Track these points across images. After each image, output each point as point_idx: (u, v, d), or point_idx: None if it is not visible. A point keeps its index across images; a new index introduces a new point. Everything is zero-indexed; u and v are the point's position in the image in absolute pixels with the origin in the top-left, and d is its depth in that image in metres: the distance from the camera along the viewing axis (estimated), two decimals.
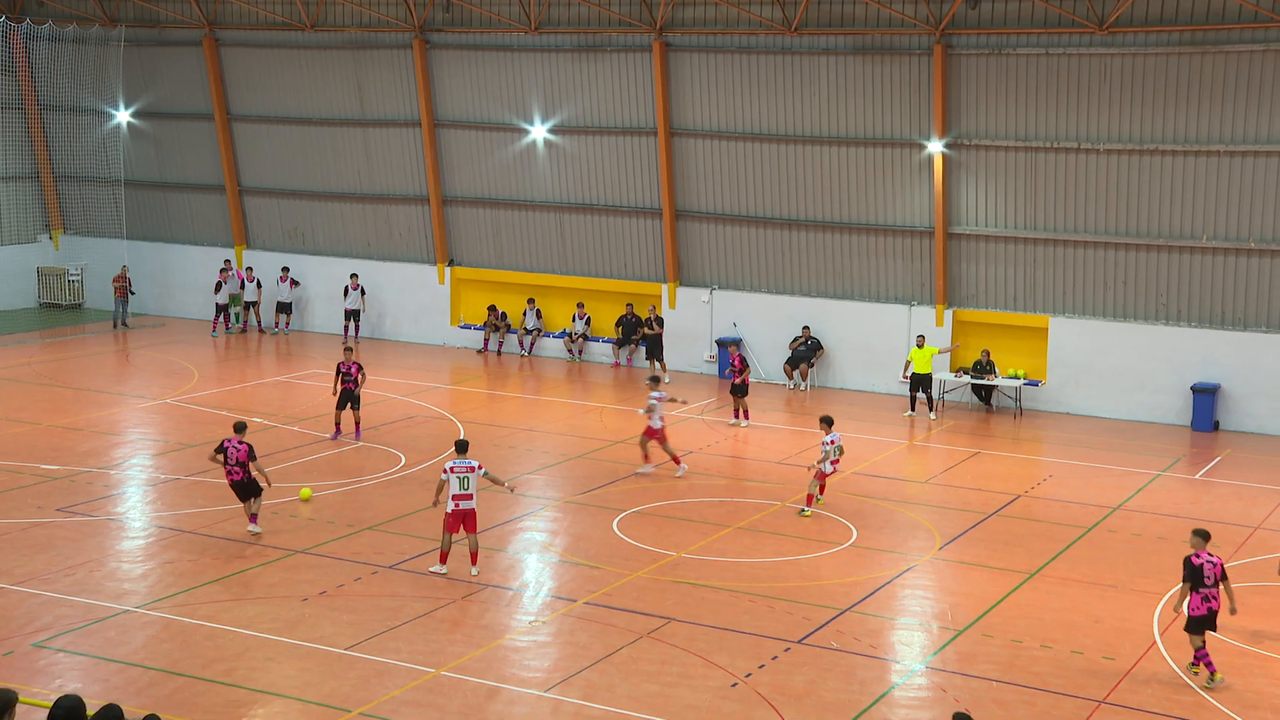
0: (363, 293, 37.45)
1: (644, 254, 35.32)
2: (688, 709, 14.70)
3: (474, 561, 18.77)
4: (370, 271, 38.00)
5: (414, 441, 26.21)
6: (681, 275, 34.96)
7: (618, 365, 35.21)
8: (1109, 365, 30.42)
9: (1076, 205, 30.43)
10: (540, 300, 36.74)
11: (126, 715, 11.19)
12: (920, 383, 30.12)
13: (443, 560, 18.79)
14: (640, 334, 34.72)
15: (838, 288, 33.18)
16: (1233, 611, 15.88)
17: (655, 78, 33.60)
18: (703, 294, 34.49)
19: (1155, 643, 16.96)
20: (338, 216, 38.87)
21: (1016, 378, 31.17)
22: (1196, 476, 25.62)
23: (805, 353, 33.00)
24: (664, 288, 35.04)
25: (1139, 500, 23.68)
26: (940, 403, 31.18)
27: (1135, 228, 29.96)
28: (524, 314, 36.67)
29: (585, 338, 35.94)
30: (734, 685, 15.36)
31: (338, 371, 26.28)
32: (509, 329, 36.77)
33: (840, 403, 31.14)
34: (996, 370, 31.23)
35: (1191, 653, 15.78)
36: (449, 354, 36.43)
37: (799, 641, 16.71)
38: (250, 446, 20.06)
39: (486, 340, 36.76)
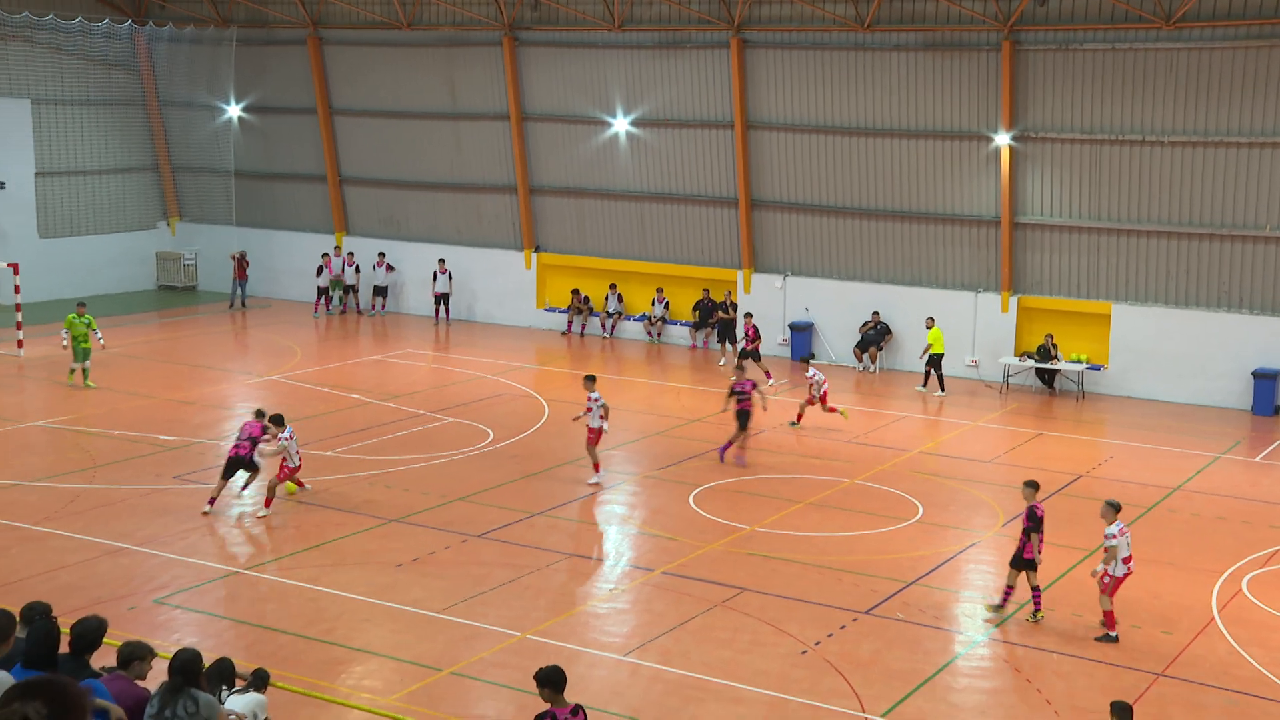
0: (450, 277, 37.76)
1: (720, 241, 35.22)
2: (758, 674, 14.70)
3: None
4: (459, 257, 38.28)
5: (501, 418, 26.40)
6: (756, 262, 34.81)
7: (694, 347, 35.19)
8: (1170, 350, 29.85)
9: (1140, 196, 29.85)
10: (621, 285, 36.78)
11: (237, 668, 11.48)
12: (935, 361, 30.07)
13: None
14: (716, 318, 34.65)
15: (906, 275, 32.86)
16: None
17: (732, 73, 33.44)
18: (776, 280, 34.33)
19: (1213, 619, 16.66)
20: (430, 205, 39.18)
21: (1079, 362, 30.68)
22: (1257, 459, 25.08)
23: (874, 337, 32.75)
24: (739, 274, 34.92)
25: (1198, 482, 23.23)
26: (1004, 385, 30.82)
27: (1198, 218, 29.34)
28: (606, 298, 36.74)
29: (664, 321, 35.94)
30: (803, 653, 15.33)
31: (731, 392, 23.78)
32: (591, 312, 36.87)
33: (907, 384, 30.87)
34: (1060, 355, 30.77)
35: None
36: (535, 335, 36.63)
37: (866, 612, 16.63)
38: (265, 429, 20.13)
39: (570, 323, 36.90)
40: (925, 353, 30.29)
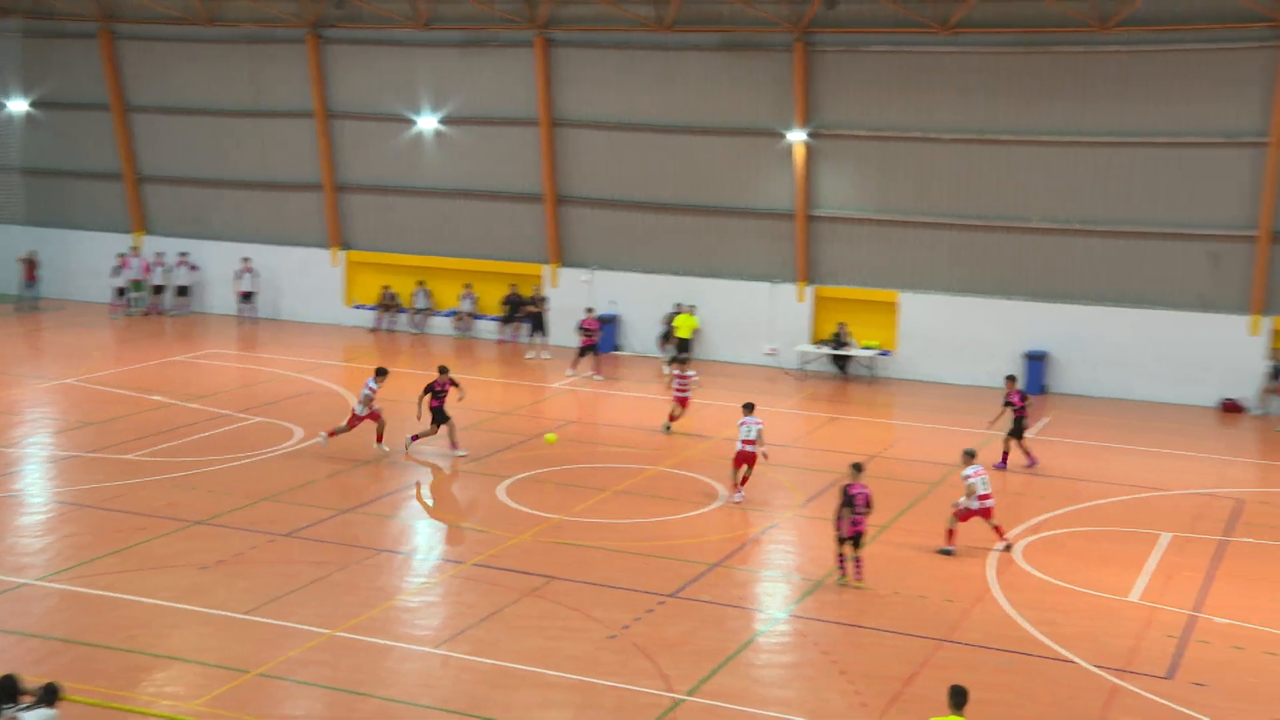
0: (255, 275, 36.77)
1: (528, 237, 35.14)
2: (568, 660, 14.74)
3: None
4: (265, 255, 37.23)
5: (309, 416, 25.79)
6: (563, 256, 34.85)
7: (503, 341, 35.04)
8: (952, 336, 31.11)
9: (924, 190, 31.01)
10: (429, 281, 36.37)
11: (26, 684, 10.91)
12: (683, 345, 31.41)
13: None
14: (524, 312, 34.57)
15: (708, 267, 33.39)
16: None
17: (537, 71, 33.40)
18: (583, 274, 34.45)
19: (990, 585, 17.43)
20: (235, 203, 37.97)
21: (870, 349, 31.73)
22: (1029, 435, 26.30)
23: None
24: (547, 268, 34.92)
25: (979, 458, 24.19)
26: (801, 373, 31.68)
27: (976, 210, 30.64)
28: (414, 294, 36.27)
29: (472, 316, 35.70)
30: (612, 637, 15.44)
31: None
32: (399, 309, 36.36)
33: (710, 374, 31.35)
34: (853, 342, 31.77)
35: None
36: (343, 333, 35.90)
37: (672, 595, 16.84)
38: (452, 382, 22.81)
39: (379, 320, 36.32)
40: (670, 336, 31.84)
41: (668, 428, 25.40)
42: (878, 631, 15.84)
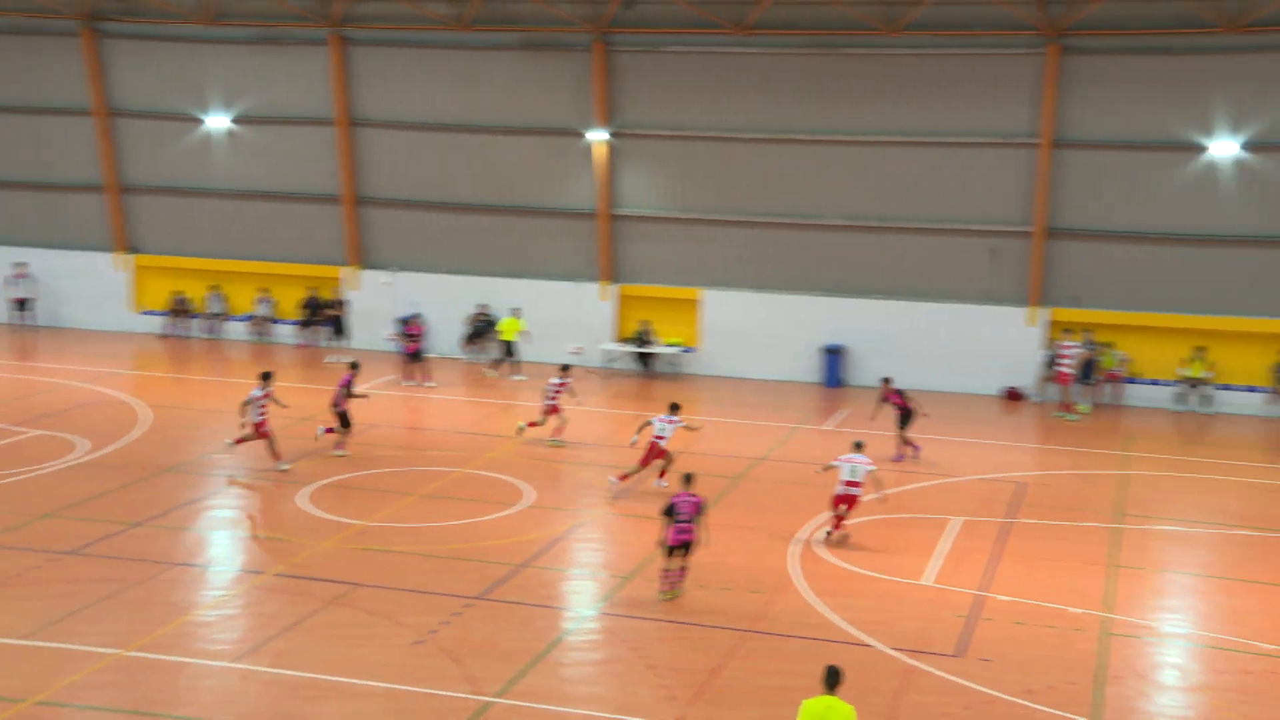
0: (32, 281, 34.96)
1: (326, 238, 34.37)
2: (374, 667, 14.47)
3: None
4: (43, 260, 35.42)
5: (94, 427, 24.64)
6: (363, 258, 34.22)
7: (302, 346, 34.20)
8: (753, 332, 31.79)
9: (724, 189, 31.59)
10: (224, 285, 35.21)
11: None
12: (507, 347, 31.25)
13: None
14: (324, 315, 33.80)
15: (512, 267, 33.28)
16: (706, 543, 17.12)
17: (333, 70, 32.69)
18: (383, 276, 33.89)
19: (791, 575, 17.87)
20: (7, 205, 36.00)
21: (674, 346, 32.16)
22: (826, 427, 27.13)
23: (482, 328, 32.97)
24: (346, 271, 34.23)
25: (780, 451, 24.87)
26: (606, 371, 31.89)
27: (774, 208, 31.38)
28: (207, 299, 35.07)
29: (270, 320, 34.72)
30: (420, 642, 15.22)
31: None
32: (192, 314, 35.09)
33: (515, 372, 31.29)
34: (657, 339, 32.15)
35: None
36: (132, 340, 34.43)
37: (479, 597, 16.71)
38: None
39: (170, 326, 34.97)
40: (477, 339, 31.90)
41: (521, 429, 24.91)
42: (685, 625, 16.05)
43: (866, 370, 31.14)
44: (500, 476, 22.36)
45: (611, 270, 32.65)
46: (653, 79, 31.37)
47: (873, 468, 19.34)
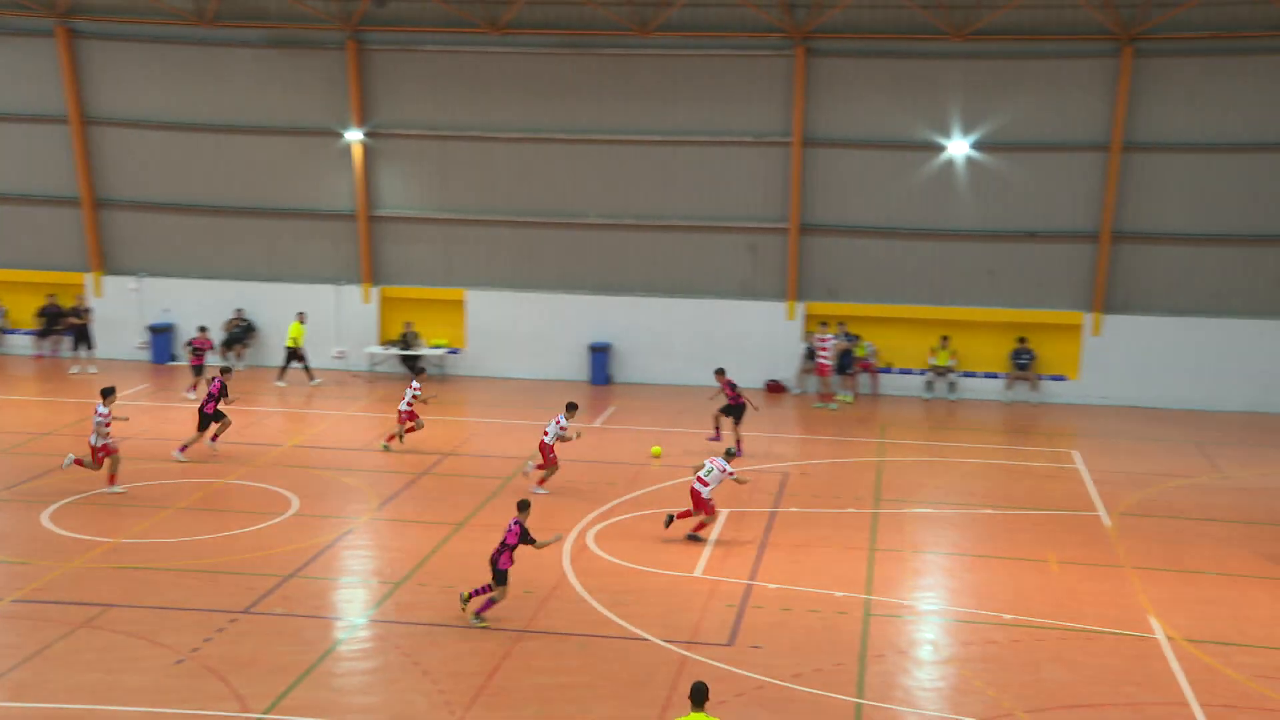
0: None
1: (65, 243, 32.48)
2: (132, 692, 13.75)
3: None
4: None
5: None
6: (107, 264, 32.50)
7: (41, 357, 32.22)
8: (519, 331, 31.74)
9: (485, 188, 31.41)
10: None
11: None
12: (292, 353, 30.28)
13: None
14: (66, 324, 31.94)
15: (268, 270, 32.24)
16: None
17: (62, 64, 30.91)
18: (130, 281, 32.27)
19: (565, 573, 17.93)
20: None
21: (440, 347, 31.80)
22: (595, 424, 27.33)
23: (239, 334, 31.84)
24: (89, 277, 32.44)
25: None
26: (371, 374, 31.28)
27: (535, 207, 31.39)
28: None
29: (2, 330, 32.56)
30: (180, 662, 14.55)
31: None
32: None
33: (273, 380, 30.33)
34: (422, 341, 31.72)
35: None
36: None
37: (245, 611, 16.11)
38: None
39: None
40: (292, 344, 30.30)
41: (386, 447, 24.39)
42: (460, 629, 15.87)
43: (633, 367, 31.52)
44: (265, 486, 21.61)
45: (373, 272, 32.03)
46: (409, 78, 30.92)
47: (729, 472, 19.45)
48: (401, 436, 24.37)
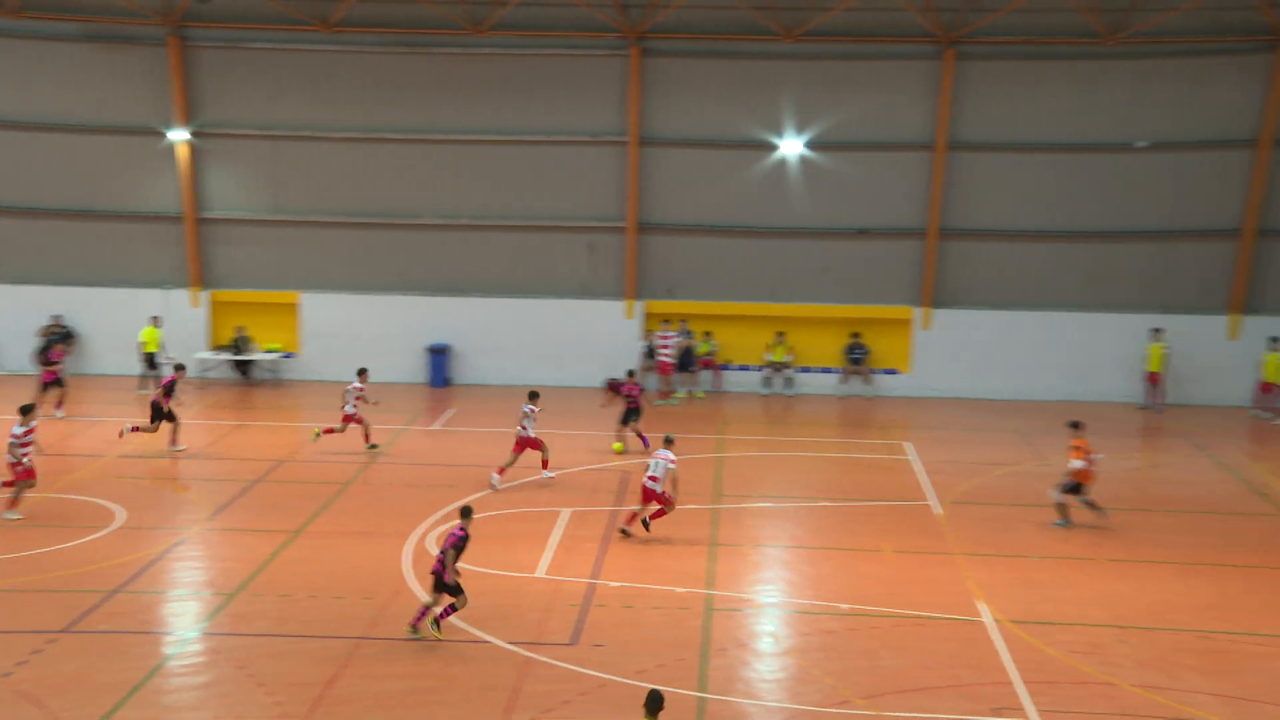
0: None
1: None
2: None
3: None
4: None
5: None
6: None
7: None
8: (355, 334, 31.20)
9: (318, 189, 30.79)
10: None
11: None
12: (149, 359, 29.36)
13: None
14: None
15: (91, 275, 31.01)
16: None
17: None
18: None
19: (406, 577, 17.68)
20: None
21: (273, 351, 31.04)
22: (434, 427, 27.04)
23: (57, 340, 30.51)
24: None
25: (389, 452, 24.54)
26: (202, 380, 30.36)
27: (370, 208, 30.91)
28: None
29: None
30: None
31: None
32: None
33: (96, 388, 29.19)
34: (254, 345, 30.92)
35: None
36: None
37: (65, 630, 15.43)
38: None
39: None
40: (141, 350, 29.25)
41: (318, 434, 24.47)
42: (296, 638, 15.49)
43: (473, 369, 31.29)
44: (88, 499, 20.76)
45: (202, 276, 31.08)
46: (238, 76, 30.09)
47: (673, 465, 19.26)
48: (340, 430, 24.26)
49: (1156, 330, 29.47)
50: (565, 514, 20.70)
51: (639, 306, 31.19)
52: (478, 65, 30.11)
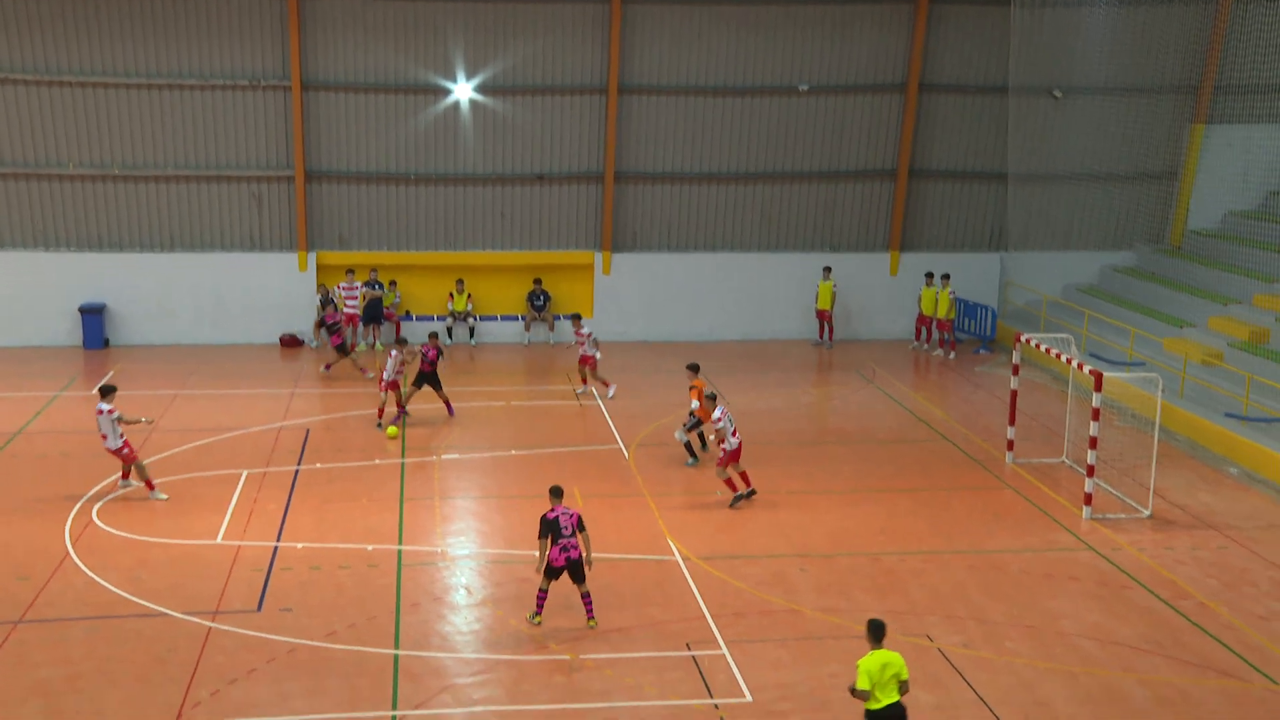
0: None
1: None
2: None
3: None
4: None
5: None
6: None
7: None
8: (1, 294, 28.87)
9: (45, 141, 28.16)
10: None
11: None
12: None
13: None
14: None
15: None
16: (589, 563, 15.06)
17: None
18: None
19: (68, 553, 16.60)
20: None
21: None
22: (93, 392, 25.38)
23: None
24: None
25: (40, 423, 22.93)
26: None
27: (6, 157, 28.50)
28: None
29: None
30: None
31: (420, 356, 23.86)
32: None
33: None
34: None
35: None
36: None
37: None
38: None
39: None
40: None
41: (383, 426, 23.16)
42: None
43: (134, 330, 29.55)
44: None
45: None
46: None
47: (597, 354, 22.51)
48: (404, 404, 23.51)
49: (826, 269, 31.12)
50: (244, 475, 19.94)
51: (311, 258, 30.24)
52: (126, 2, 28.17)
